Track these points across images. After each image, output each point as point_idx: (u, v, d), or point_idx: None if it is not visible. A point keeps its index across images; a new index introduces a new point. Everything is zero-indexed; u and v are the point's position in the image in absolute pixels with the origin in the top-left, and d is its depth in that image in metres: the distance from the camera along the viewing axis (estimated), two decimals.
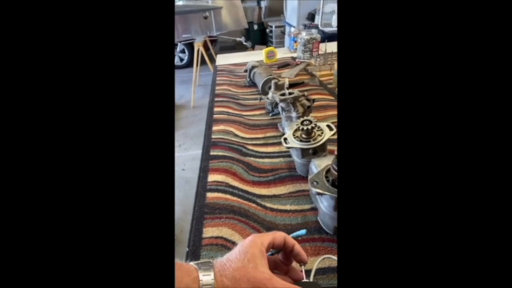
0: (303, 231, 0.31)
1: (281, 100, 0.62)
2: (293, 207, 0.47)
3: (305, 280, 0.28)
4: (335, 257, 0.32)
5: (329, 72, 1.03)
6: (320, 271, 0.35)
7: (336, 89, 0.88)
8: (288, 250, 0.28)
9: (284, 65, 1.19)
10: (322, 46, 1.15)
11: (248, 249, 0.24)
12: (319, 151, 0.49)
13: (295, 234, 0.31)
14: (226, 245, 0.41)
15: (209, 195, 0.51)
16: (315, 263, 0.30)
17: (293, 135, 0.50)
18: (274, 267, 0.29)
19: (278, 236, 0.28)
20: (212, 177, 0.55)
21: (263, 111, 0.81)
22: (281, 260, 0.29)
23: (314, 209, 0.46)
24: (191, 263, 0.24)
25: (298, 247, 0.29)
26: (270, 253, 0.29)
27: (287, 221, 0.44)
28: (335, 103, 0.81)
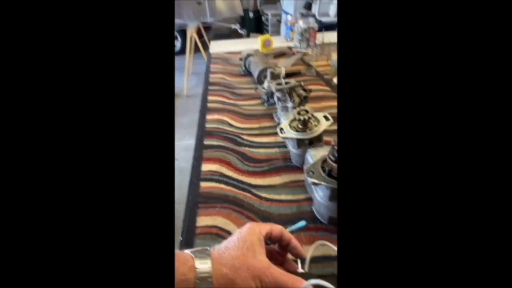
0: (302, 223, 0.31)
1: (277, 90, 0.61)
2: (288, 197, 0.47)
3: (300, 270, 0.29)
4: (330, 244, 0.32)
5: (325, 63, 1.02)
6: (314, 259, 0.36)
7: (333, 79, 0.87)
8: (284, 244, 0.28)
9: (281, 54, 1.17)
10: (319, 36, 1.13)
11: (247, 237, 0.24)
12: (315, 142, 0.49)
13: (295, 227, 0.31)
14: (220, 234, 0.41)
15: (203, 184, 0.50)
16: (310, 251, 0.30)
17: (289, 125, 0.50)
18: (270, 257, 0.29)
19: (276, 228, 0.27)
20: (206, 167, 0.55)
21: (258, 101, 0.80)
22: (277, 250, 0.29)
23: (309, 199, 0.46)
24: (187, 250, 0.24)
25: (295, 241, 0.28)
26: (265, 243, 0.29)
27: (282, 210, 0.44)
28: (332, 94, 0.80)
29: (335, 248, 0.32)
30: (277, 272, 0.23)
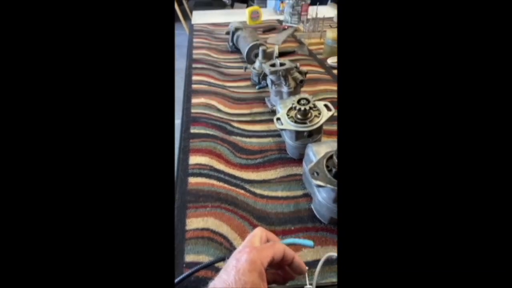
0: (310, 243, 0.27)
1: (272, 72, 0.55)
2: (284, 193, 0.44)
3: (307, 287, 0.26)
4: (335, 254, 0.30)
5: (319, 41, 0.95)
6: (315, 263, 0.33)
7: (327, 60, 0.82)
8: (286, 263, 0.25)
9: (270, 28, 1.08)
10: (312, 10, 1.04)
11: (247, 278, 0.20)
12: (314, 134, 0.45)
13: (299, 241, 0.28)
14: (213, 238, 0.37)
15: (192, 180, 0.45)
16: (319, 265, 0.28)
17: (287, 115, 0.45)
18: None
19: (278, 251, 0.24)
20: (194, 159, 0.49)
21: (248, 83, 0.73)
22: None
23: (307, 196, 0.43)
24: None
25: (297, 260, 0.25)
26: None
27: (278, 209, 0.41)
28: (326, 76, 0.75)
29: None
30: None
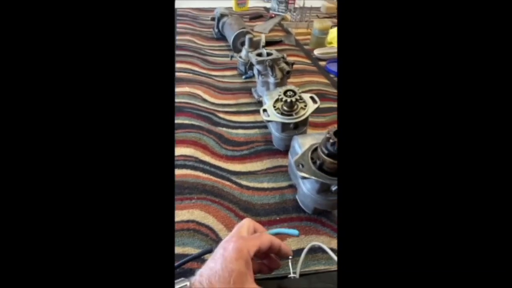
0: (295, 232, 0.28)
1: (258, 62, 0.54)
2: (270, 185, 0.44)
3: (292, 275, 0.27)
4: (323, 246, 0.31)
5: (306, 30, 0.94)
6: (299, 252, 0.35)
7: (313, 51, 0.82)
8: (274, 252, 0.26)
9: (257, 16, 1.05)
10: None
11: (234, 265, 0.20)
12: (300, 125, 0.45)
13: (284, 230, 0.29)
14: (199, 230, 0.37)
15: (177, 172, 0.45)
16: (303, 255, 0.29)
17: (274, 106, 0.45)
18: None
19: (264, 241, 0.24)
20: (178, 151, 0.48)
21: (234, 72, 0.72)
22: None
23: (292, 187, 0.44)
24: None
25: (284, 247, 0.26)
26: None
27: (264, 200, 0.42)
28: (313, 68, 0.76)
29: (327, 248, 0.30)
30: None
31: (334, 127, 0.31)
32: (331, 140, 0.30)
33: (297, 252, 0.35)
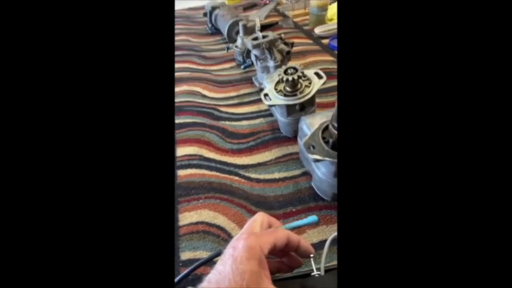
0: (314, 218, 0.24)
1: (254, 46, 0.50)
2: (282, 175, 0.40)
3: (315, 273, 0.23)
4: None
5: (303, 11, 0.89)
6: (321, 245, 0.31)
7: (314, 30, 0.76)
8: (292, 249, 0.22)
9: (251, 5, 1.01)
10: None
11: (245, 266, 0.17)
12: (307, 106, 0.41)
13: (304, 222, 0.25)
14: (209, 231, 0.34)
15: (181, 173, 0.42)
16: (326, 248, 0.25)
17: (275, 89, 0.41)
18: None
19: (280, 237, 0.21)
20: (181, 151, 0.46)
21: (233, 64, 0.69)
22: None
23: (306, 174, 0.40)
24: None
25: (303, 243, 0.22)
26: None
27: (277, 191, 0.38)
28: (316, 47, 0.70)
29: None
30: None
31: None
32: None
33: (320, 245, 0.31)
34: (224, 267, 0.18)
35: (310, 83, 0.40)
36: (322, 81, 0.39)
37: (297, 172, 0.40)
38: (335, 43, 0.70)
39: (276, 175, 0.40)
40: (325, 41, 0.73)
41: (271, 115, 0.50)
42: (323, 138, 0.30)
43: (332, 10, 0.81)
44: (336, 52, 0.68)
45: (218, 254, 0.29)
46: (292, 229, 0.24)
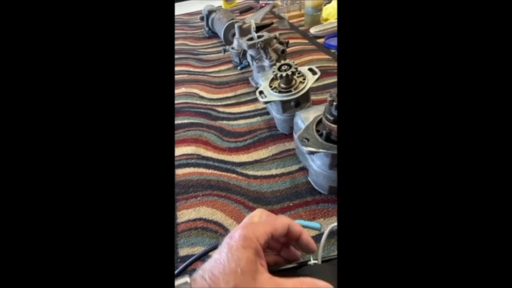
0: (317, 225, 0.24)
1: (250, 46, 0.51)
2: (279, 171, 0.41)
3: (313, 262, 0.23)
4: None
5: (299, 13, 0.90)
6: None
7: (310, 30, 0.77)
8: (292, 240, 0.22)
9: (247, 9, 1.03)
10: None
11: (242, 254, 0.17)
12: (302, 102, 0.41)
13: (305, 223, 0.25)
14: (207, 227, 0.35)
15: (179, 172, 0.42)
16: (324, 237, 0.25)
17: (270, 86, 0.41)
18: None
19: (280, 225, 0.20)
20: (179, 150, 0.46)
21: (230, 65, 0.69)
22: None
23: (303, 169, 0.40)
24: None
25: (306, 237, 0.22)
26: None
27: (274, 187, 0.38)
28: (311, 46, 0.71)
29: None
30: (288, 285, 0.17)
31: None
32: (335, 103, 0.26)
33: (317, 237, 0.31)
34: (220, 255, 0.18)
35: (304, 79, 0.40)
36: (316, 76, 0.40)
37: (294, 167, 0.41)
38: (330, 42, 0.71)
39: (273, 172, 0.41)
40: (321, 40, 0.74)
41: (267, 113, 0.51)
42: (317, 131, 0.31)
43: (327, 10, 0.82)
44: (331, 50, 0.69)
45: (216, 247, 0.29)
46: None
